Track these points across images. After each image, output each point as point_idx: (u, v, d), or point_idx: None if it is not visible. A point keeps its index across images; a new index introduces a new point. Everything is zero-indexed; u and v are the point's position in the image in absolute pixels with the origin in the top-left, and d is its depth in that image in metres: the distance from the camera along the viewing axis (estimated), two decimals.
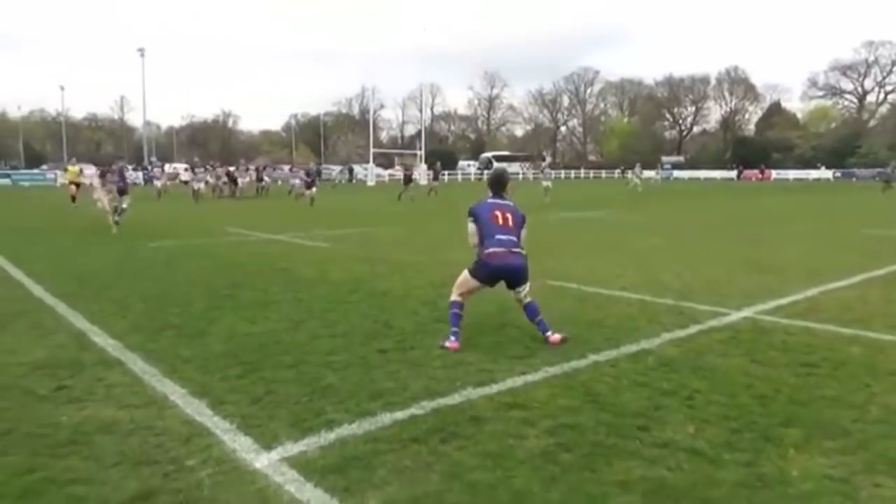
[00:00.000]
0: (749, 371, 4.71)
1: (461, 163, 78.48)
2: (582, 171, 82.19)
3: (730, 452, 3.40)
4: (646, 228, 16.27)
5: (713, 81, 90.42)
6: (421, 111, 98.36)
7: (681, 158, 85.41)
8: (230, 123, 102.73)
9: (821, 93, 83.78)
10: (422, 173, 52.34)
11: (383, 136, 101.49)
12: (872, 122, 78.02)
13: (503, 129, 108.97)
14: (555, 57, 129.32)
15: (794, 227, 16.37)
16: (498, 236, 5.40)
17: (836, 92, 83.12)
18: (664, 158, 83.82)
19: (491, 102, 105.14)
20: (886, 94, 79.66)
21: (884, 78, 78.93)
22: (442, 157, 55.14)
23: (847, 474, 3.17)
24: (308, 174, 28.16)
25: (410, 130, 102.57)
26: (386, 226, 16.97)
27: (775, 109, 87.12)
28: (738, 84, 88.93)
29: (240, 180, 33.72)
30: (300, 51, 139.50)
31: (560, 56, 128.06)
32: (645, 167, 76.44)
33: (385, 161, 72.04)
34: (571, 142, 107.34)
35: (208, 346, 5.44)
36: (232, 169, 36.58)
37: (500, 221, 5.45)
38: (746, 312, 6.52)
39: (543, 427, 3.74)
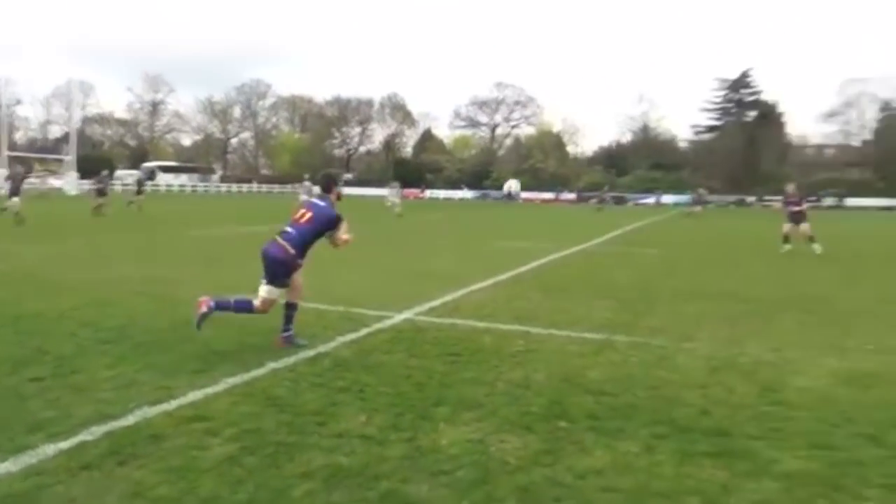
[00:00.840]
0: (408, 364, 5.39)
1: (119, 171, 70.77)
2: (255, 184, 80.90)
3: (395, 433, 3.92)
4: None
5: (377, 105, 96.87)
6: (69, 111, 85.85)
7: (350, 176, 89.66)
8: None
9: (462, 123, 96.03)
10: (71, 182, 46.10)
11: (19, 136, 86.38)
12: (501, 151, 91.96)
13: (168, 137, 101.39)
14: (226, 65, 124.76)
15: (444, 240, 18.64)
16: (285, 228, 5.68)
17: (474, 123, 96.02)
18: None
19: (155, 108, 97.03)
20: (511, 128, 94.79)
21: (509, 114, 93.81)
22: (99, 165, 49.01)
23: (482, 436, 3.91)
24: None
25: (56, 132, 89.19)
26: (41, 243, 14.66)
27: (428, 135, 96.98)
28: (397, 110, 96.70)
29: None
30: None
31: (231, 65, 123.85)
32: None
33: (25, 167, 61.27)
34: (243, 155, 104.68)
35: None
36: None
37: (297, 217, 5.69)
38: (407, 315, 7.35)
39: (227, 435, 3.81)
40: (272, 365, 5.21)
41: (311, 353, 5.63)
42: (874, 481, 3.40)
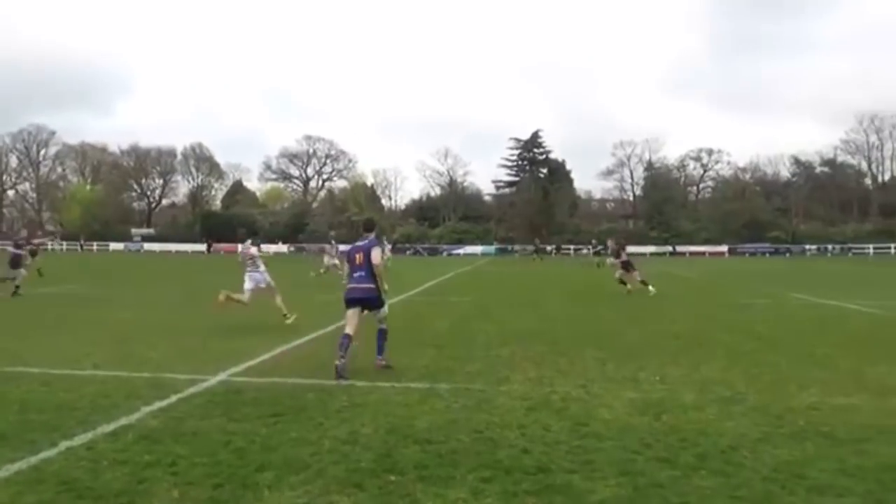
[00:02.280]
0: (227, 429, 5.02)
1: None
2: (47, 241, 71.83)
3: None
4: (113, 301, 15.38)
5: (179, 156, 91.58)
6: None
7: (151, 231, 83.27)
8: None
9: (274, 176, 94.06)
10: None
11: None
12: (315, 204, 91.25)
13: None
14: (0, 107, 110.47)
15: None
16: (354, 274, 7.37)
17: (286, 176, 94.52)
18: (134, 231, 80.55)
19: None
20: (323, 181, 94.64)
21: (321, 167, 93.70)
22: None
23: (309, 499, 3.72)
24: None
25: None
26: None
27: (238, 187, 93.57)
28: (202, 161, 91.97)
29: None
30: None
31: (6, 107, 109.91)
32: (116, 239, 72.25)
33: None
34: (23, 208, 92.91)
35: None
36: None
37: (357, 262, 7.33)
38: (222, 376, 6.87)
39: None
40: (66, 444, 4.58)
41: (111, 426, 5.04)
42: (672, 500, 3.76)
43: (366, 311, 7.41)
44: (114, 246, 72.42)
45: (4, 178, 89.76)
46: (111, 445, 4.59)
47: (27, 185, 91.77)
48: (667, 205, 74.39)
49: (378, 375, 6.99)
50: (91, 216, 79.79)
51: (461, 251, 67.41)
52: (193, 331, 10.37)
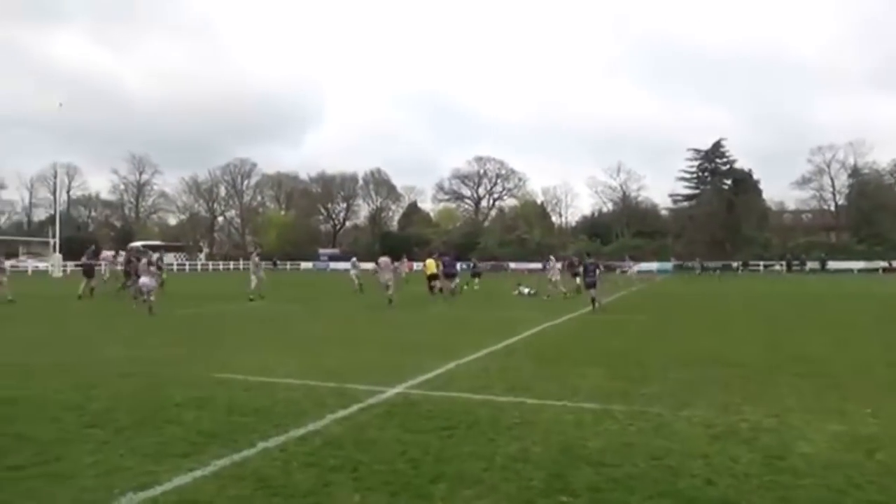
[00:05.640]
0: (403, 439, 5.24)
1: (105, 252, 70.37)
2: (241, 261, 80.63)
3: None
4: (306, 317, 16.77)
5: (360, 181, 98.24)
6: (55, 194, 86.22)
7: (336, 250, 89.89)
8: None
9: (446, 197, 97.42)
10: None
11: (2, 220, 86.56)
12: (487, 223, 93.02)
13: (154, 216, 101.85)
14: (211, 145, 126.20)
15: (430, 312, 18.55)
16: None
17: (458, 196, 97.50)
18: (321, 251, 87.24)
19: (140, 188, 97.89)
20: (494, 200, 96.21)
21: (491, 187, 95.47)
22: (84, 246, 48.86)
23: None
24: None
25: (41, 214, 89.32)
26: (28, 325, 14.41)
27: (413, 209, 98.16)
28: (381, 185, 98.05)
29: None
30: None
31: (216, 144, 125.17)
32: (305, 258, 79.14)
33: (6, 249, 60.93)
34: (230, 232, 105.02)
35: None
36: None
37: None
38: (399, 388, 7.20)
39: None
40: (262, 444, 5.05)
41: (301, 431, 5.47)
42: None
43: None
44: (304, 265, 79.17)
45: (215, 205, 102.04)
46: (301, 448, 4.99)
47: (233, 211, 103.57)
48: (878, 214, 65.94)
49: (548, 392, 6.91)
50: (284, 239, 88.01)
51: (637, 267, 64.80)
52: (374, 345, 10.99)
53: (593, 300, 18.39)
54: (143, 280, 17.74)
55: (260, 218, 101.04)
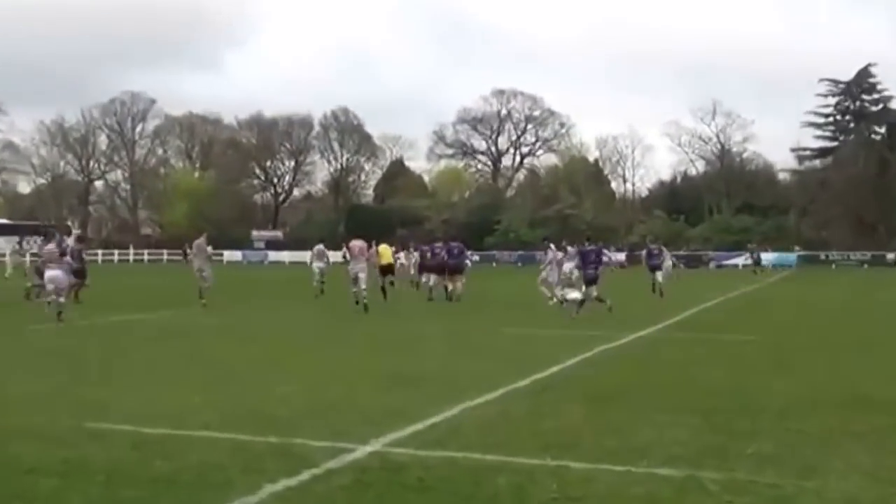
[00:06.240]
0: None
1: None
2: (132, 251, 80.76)
3: None
4: (237, 333, 16.82)
5: (317, 127, 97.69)
6: None
7: (279, 234, 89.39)
8: None
9: (449, 152, 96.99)
10: None
11: None
12: (511, 191, 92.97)
13: None
14: (82, 71, 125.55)
15: (428, 325, 18.58)
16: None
17: (467, 151, 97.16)
18: (256, 234, 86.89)
19: None
20: (522, 157, 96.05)
21: (518, 137, 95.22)
22: None
23: None
24: None
25: None
26: None
27: (398, 170, 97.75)
28: (348, 133, 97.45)
29: None
30: None
31: (90, 70, 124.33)
32: (232, 245, 78.28)
33: None
34: (113, 204, 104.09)
35: None
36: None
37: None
38: (375, 445, 7.20)
39: None
40: None
41: None
42: None
43: None
44: (230, 255, 78.76)
45: (92, 164, 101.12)
46: None
47: (119, 172, 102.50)
48: None
49: (604, 452, 6.93)
50: (199, 214, 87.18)
51: (740, 260, 64.93)
52: (339, 376, 11.02)
53: (598, 299, 20.64)
54: (52, 274, 18.17)
55: (161, 182, 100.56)
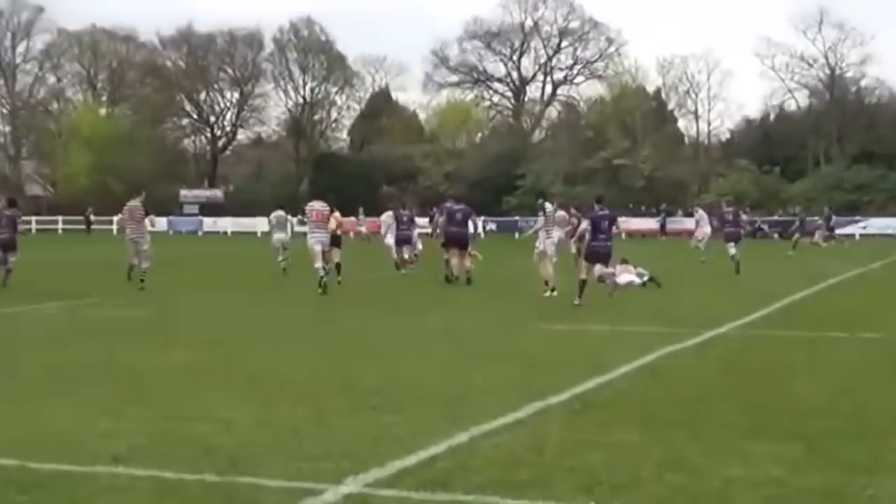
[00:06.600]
0: None
1: None
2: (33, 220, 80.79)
3: None
4: (161, 332, 16.84)
5: (270, 45, 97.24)
6: None
7: (218, 192, 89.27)
8: None
9: (454, 79, 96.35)
10: None
11: None
12: (539, 135, 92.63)
13: None
14: None
15: (430, 319, 18.57)
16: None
17: (478, 78, 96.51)
18: (186, 193, 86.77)
19: None
20: (555, 86, 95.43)
21: (550, 57, 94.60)
22: None
23: None
24: None
25: None
26: None
27: (382, 103, 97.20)
28: (314, 53, 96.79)
29: None
30: None
31: None
32: (153, 210, 78.05)
33: None
34: None
35: None
36: None
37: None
38: (352, 486, 7.20)
39: None
40: None
41: None
42: None
43: None
44: (151, 223, 78.48)
45: None
46: None
47: None
48: None
49: (669, 495, 6.94)
50: (107, 167, 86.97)
51: (857, 228, 64.94)
52: (301, 390, 11.05)
53: (600, 278, 21.78)
54: None
55: (54, 123, 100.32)
